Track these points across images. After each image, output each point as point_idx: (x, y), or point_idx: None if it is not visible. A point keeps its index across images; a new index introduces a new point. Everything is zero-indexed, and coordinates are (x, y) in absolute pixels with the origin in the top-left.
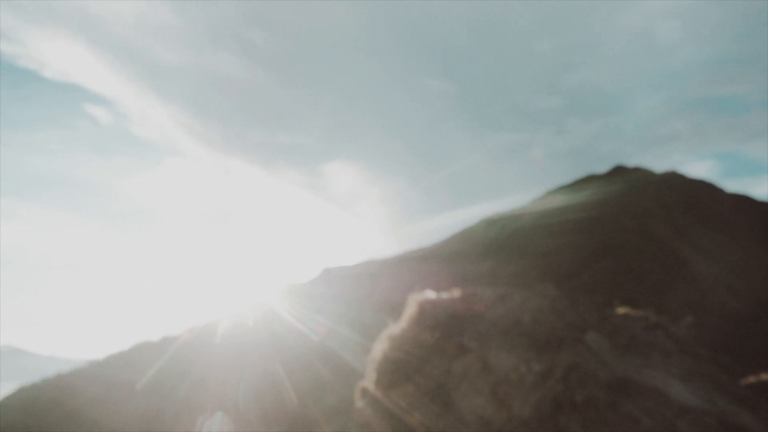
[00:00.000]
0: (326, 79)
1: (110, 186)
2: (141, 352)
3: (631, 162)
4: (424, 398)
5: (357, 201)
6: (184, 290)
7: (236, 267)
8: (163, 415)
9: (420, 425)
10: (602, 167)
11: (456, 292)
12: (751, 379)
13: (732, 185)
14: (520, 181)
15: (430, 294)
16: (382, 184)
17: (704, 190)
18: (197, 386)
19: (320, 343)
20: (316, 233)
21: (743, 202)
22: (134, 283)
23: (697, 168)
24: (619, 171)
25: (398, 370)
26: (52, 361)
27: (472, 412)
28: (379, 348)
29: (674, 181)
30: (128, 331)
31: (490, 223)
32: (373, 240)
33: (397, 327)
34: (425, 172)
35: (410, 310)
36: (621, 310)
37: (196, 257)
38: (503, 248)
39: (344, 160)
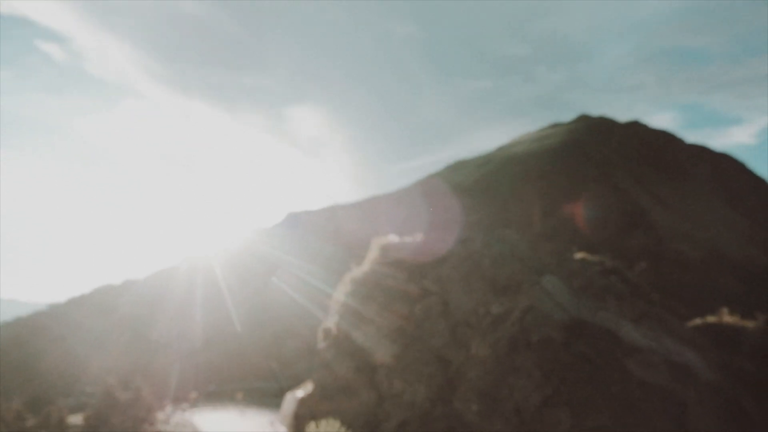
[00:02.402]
0: (290, 21)
1: (64, 126)
2: (103, 295)
3: (596, 111)
4: (386, 339)
5: (321, 146)
6: (145, 233)
7: (199, 210)
8: (126, 356)
9: (381, 365)
10: (567, 116)
11: (419, 236)
12: (698, 321)
13: (692, 136)
14: (486, 127)
15: (393, 238)
16: (347, 130)
17: (665, 140)
18: (161, 327)
19: (284, 289)
20: (280, 178)
21: (702, 153)
22: (93, 225)
23: (660, 119)
24: (583, 120)
25: (361, 312)
26: (12, 304)
27: (432, 351)
28: (342, 290)
29: (637, 131)
30: (89, 274)
31: (455, 169)
32: (337, 185)
33: (360, 270)
34: (391, 118)
35: (373, 253)
36: (579, 256)
37: (157, 200)
38: (468, 194)
39: (309, 104)
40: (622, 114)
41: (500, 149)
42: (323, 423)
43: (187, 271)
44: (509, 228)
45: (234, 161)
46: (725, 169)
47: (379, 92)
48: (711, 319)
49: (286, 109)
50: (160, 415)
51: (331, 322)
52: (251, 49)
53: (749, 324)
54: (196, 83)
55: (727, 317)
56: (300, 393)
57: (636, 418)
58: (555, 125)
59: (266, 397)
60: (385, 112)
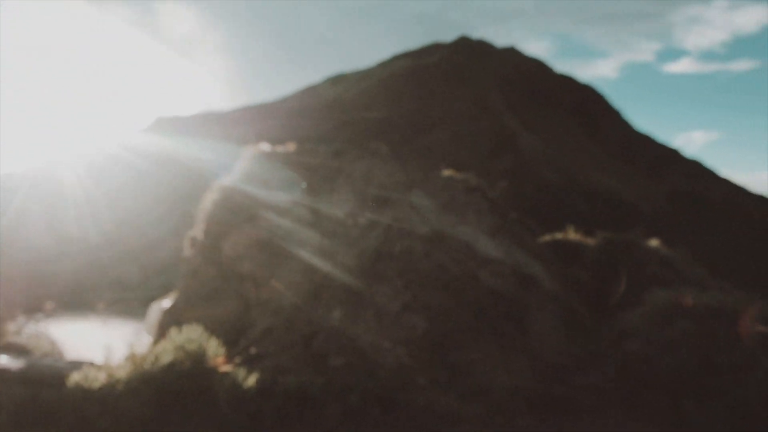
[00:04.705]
0: None
1: None
2: None
3: (476, 34)
4: (254, 248)
5: (195, 47)
6: None
7: (57, 109)
8: None
9: (249, 274)
10: (448, 36)
11: (291, 147)
12: (547, 237)
13: (562, 66)
14: (368, 43)
15: (265, 147)
16: (224, 31)
17: (537, 68)
18: (10, 234)
19: (151, 197)
20: (149, 79)
21: (568, 83)
22: None
23: (535, 47)
24: (463, 42)
25: (229, 220)
26: None
27: (300, 261)
28: (210, 198)
29: (512, 57)
30: None
31: (335, 82)
32: (212, 91)
33: (230, 178)
34: (272, 23)
35: (243, 162)
36: (446, 173)
37: (8, 97)
38: (345, 108)
39: None
40: (500, 39)
41: (381, 65)
42: (186, 329)
43: (40, 175)
44: (383, 142)
45: (94, 57)
46: (588, 100)
47: None
48: (558, 235)
49: (156, 1)
50: (10, 327)
51: (198, 230)
52: None
53: (590, 241)
54: None
55: (572, 234)
56: (166, 302)
57: (483, 322)
58: (436, 44)
59: (132, 307)
60: (265, 16)
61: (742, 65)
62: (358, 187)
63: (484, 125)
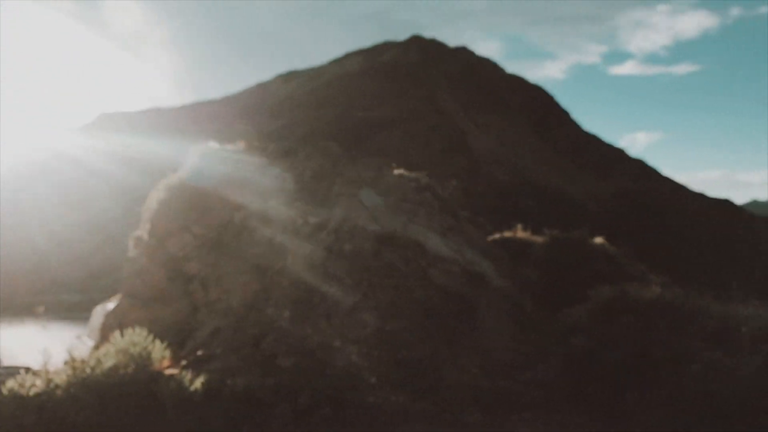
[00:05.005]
0: None
1: None
2: None
3: (428, 34)
4: (203, 247)
5: (142, 43)
6: None
7: None
8: None
9: (196, 274)
10: (401, 35)
11: (240, 145)
12: (496, 235)
13: (512, 67)
14: (319, 41)
15: (214, 145)
16: (171, 27)
17: (488, 68)
18: None
19: (97, 195)
20: (92, 74)
21: (519, 83)
22: None
23: (487, 47)
24: (416, 41)
25: (176, 220)
26: None
27: (249, 261)
28: (156, 197)
29: (464, 57)
30: None
31: (287, 80)
32: (159, 87)
33: (177, 177)
34: (219, 19)
35: (191, 160)
36: (397, 172)
37: None
38: (297, 106)
39: None
40: (452, 39)
41: (333, 63)
42: (129, 332)
43: None
44: (334, 142)
45: (34, 51)
46: (537, 100)
47: None
48: (508, 234)
49: None
50: None
51: (143, 230)
52: None
53: (538, 239)
54: None
55: (521, 233)
56: (110, 305)
57: (434, 320)
58: (388, 43)
59: (74, 311)
60: (213, 12)
61: (683, 68)
62: (309, 186)
63: (436, 125)
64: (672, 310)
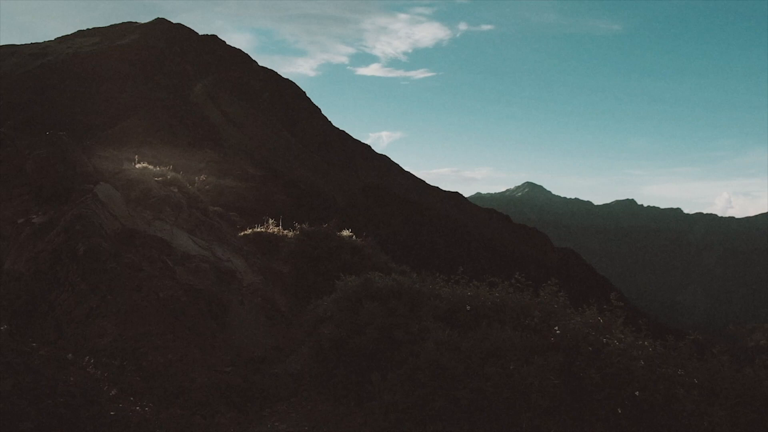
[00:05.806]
0: None
1: None
2: None
3: (175, 18)
4: None
5: None
6: None
7: None
8: None
9: None
10: (144, 17)
11: None
12: (248, 231)
13: (264, 61)
14: (40, 13)
15: None
16: None
17: (240, 60)
18: None
19: None
20: None
21: (271, 76)
22: None
23: (238, 38)
24: (161, 24)
25: None
26: None
27: None
28: None
29: (214, 46)
30: None
31: (2, 57)
32: None
33: None
34: None
35: None
36: (140, 165)
37: None
38: (17, 87)
39: None
40: (201, 27)
41: (62, 40)
42: None
43: None
44: (63, 131)
45: None
46: (289, 95)
47: None
48: (259, 229)
49: None
50: None
51: None
52: None
53: (288, 233)
54: None
55: (273, 228)
56: None
57: (182, 321)
58: (129, 23)
59: None
60: None
61: (420, 74)
62: (33, 180)
63: (184, 115)
64: (410, 295)
